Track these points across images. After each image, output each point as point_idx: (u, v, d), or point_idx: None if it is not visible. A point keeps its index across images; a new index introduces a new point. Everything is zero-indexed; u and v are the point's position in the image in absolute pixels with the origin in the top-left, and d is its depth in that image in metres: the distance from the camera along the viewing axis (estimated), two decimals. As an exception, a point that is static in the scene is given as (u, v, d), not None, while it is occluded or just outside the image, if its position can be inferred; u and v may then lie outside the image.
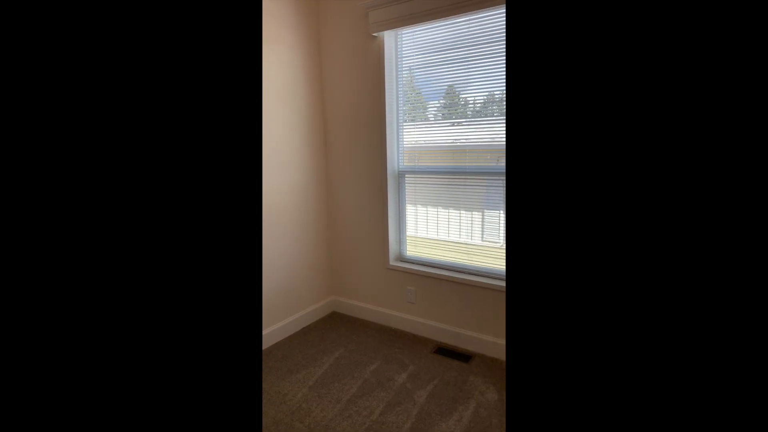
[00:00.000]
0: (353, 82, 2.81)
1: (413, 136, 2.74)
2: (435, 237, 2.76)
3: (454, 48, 2.44)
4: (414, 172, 2.76)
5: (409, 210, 2.85)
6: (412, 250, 2.89)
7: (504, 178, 2.41)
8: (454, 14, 2.29)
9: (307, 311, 3.02)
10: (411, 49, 2.63)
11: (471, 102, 2.45)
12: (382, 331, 2.90)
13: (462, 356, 2.55)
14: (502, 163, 2.42)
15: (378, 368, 2.44)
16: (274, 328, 2.77)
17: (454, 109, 2.52)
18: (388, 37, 2.65)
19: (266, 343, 2.72)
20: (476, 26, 2.34)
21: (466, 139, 2.50)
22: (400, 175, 2.83)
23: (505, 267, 2.50)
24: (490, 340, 2.53)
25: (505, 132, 2.36)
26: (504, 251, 2.49)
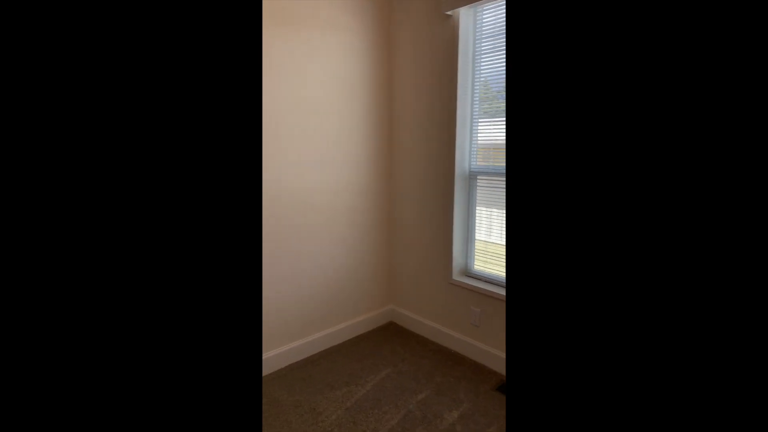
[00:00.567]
0: (422, 69, 2.49)
1: (489, 133, 2.33)
2: (508, 252, 2.34)
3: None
4: (488, 173, 2.36)
5: (482, 214, 2.45)
6: (480, 265, 2.50)
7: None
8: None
9: (361, 319, 2.80)
10: (493, 29, 2.22)
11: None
12: (439, 353, 2.56)
13: (530, 399, 2.12)
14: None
15: (427, 399, 2.12)
16: (322, 334, 2.59)
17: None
18: (465, 15, 2.27)
19: (313, 350, 2.56)
20: None
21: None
22: (471, 177, 2.45)
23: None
24: (568, 385, 2.06)
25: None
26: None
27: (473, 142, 2.42)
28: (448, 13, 2.29)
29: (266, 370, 2.34)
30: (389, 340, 2.73)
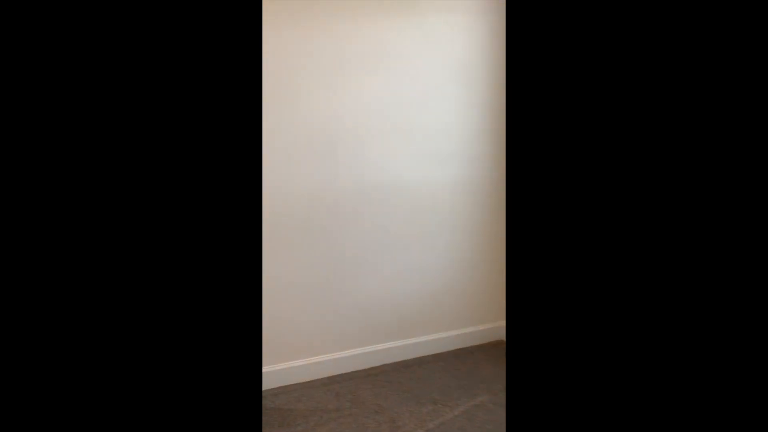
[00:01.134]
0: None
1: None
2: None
3: None
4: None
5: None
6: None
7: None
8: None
9: (464, 331, 2.56)
10: None
11: None
12: (550, 390, 2.18)
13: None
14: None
15: (521, 444, 1.81)
16: (415, 341, 2.44)
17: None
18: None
19: (405, 356, 2.43)
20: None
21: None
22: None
23: None
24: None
25: None
26: None
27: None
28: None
29: (356, 367, 2.30)
30: (493, 362, 2.44)
